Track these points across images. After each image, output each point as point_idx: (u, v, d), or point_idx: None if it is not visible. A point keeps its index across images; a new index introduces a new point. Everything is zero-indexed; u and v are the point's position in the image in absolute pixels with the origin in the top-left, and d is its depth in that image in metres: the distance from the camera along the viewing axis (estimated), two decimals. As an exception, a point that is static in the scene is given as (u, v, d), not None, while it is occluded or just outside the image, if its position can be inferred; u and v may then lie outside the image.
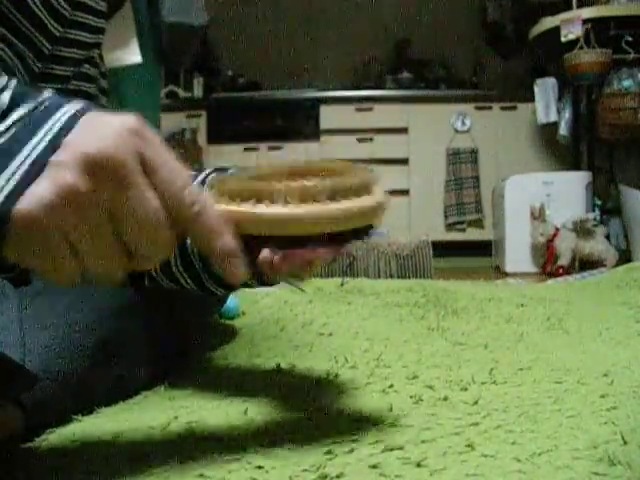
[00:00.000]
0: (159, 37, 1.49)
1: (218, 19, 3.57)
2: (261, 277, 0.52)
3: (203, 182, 0.54)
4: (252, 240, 0.39)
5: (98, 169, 0.32)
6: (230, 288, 0.58)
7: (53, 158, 0.33)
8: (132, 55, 1.34)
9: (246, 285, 0.55)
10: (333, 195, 0.39)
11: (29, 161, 0.33)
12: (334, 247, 0.43)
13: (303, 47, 3.92)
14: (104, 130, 0.33)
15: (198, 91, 3.61)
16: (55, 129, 0.34)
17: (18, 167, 0.32)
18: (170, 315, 0.69)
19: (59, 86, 0.62)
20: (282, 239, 0.40)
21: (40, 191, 0.32)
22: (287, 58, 3.90)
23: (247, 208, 0.39)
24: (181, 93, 3.53)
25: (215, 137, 3.42)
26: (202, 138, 3.40)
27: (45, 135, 0.33)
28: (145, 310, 0.64)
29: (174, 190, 0.35)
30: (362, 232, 0.42)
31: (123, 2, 1.26)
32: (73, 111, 0.35)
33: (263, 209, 0.38)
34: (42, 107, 0.35)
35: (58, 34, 0.58)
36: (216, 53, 3.84)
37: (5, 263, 0.35)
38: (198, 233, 0.36)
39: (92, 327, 0.57)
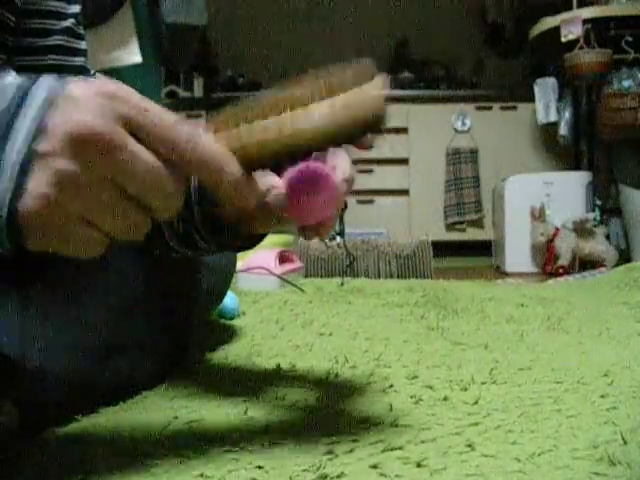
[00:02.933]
0: (159, 37, 1.49)
1: (218, 19, 3.57)
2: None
3: None
4: (257, 164, 0.39)
5: (85, 146, 0.32)
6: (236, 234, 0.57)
7: (39, 148, 0.32)
8: (132, 55, 1.34)
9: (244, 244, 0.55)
10: (330, 90, 0.38)
11: (19, 157, 0.32)
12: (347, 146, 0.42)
13: (303, 47, 3.92)
14: (80, 104, 0.33)
15: (198, 91, 3.61)
16: (34, 114, 0.33)
17: (10, 166, 0.32)
18: (170, 315, 0.69)
19: (36, 59, 0.61)
20: (288, 153, 0.39)
21: (37, 188, 0.32)
22: (287, 58, 3.90)
23: (242, 138, 0.38)
24: (181, 93, 3.53)
25: (215, 137, 3.41)
26: (202, 138, 3.40)
27: (25, 123, 0.33)
28: (145, 309, 0.64)
29: (163, 135, 0.34)
30: (370, 127, 0.40)
31: (123, 2, 1.26)
32: (47, 91, 0.34)
33: (257, 132, 0.38)
34: (13, 98, 0.34)
35: (20, 4, 0.57)
36: (216, 53, 3.84)
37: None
38: (199, 168, 0.36)
39: (92, 327, 0.57)
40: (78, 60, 0.65)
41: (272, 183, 0.44)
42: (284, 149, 0.39)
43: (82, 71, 0.66)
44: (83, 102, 0.33)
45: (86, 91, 0.33)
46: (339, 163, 0.48)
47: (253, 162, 0.38)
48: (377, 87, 0.40)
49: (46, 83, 0.34)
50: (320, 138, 0.39)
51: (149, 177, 0.34)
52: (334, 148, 0.45)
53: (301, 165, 0.44)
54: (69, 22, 0.63)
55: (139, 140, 0.34)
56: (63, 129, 0.32)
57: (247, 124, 0.39)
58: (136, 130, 0.34)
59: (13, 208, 0.32)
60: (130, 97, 0.34)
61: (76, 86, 0.34)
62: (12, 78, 0.35)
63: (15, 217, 0.32)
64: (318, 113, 0.38)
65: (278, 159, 0.40)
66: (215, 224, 0.52)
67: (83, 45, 0.66)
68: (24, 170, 0.32)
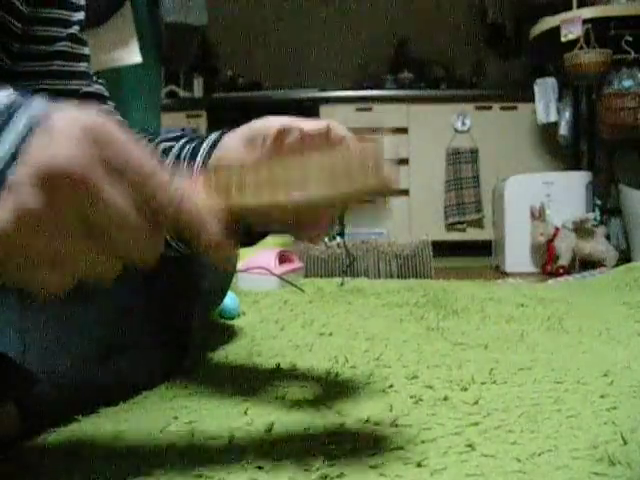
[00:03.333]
0: (159, 37, 1.49)
1: (218, 19, 3.57)
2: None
3: (214, 144, 0.54)
4: (243, 223, 0.38)
5: (56, 184, 0.30)
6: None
7: (10, 178, 0.30)
8: (132, 55, 1.34)
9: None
10: (333, 172, 0.36)
11: None
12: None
13: (303, 47, 3.92)
14: (61, 138, 0.31)
15: (198, 91, 3.61)
16: (13, 141, 0.31)
17: None
18: (170, 315, 0.69)
19: (41, 65, 0.61)
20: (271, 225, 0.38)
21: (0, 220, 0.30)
22: (287, 58, 3.90)
23: (234, 198, 0.36)
24: (181, 93, 3.53)
25: (215, 137, 3.41)
26: (202, 138, 3.40)
27: (1, 149, 0.31)
28: (145, 309, 0.64)
29: (144, 184, 0.33)
30: (373, 195, 0.39)
31: (123, 2, 1.26)
32: (29, 118, 0.32)
33: (245, 199, 0.36)
34: None
35: (27, 12, 0.58)
36: (216, 53, 3.84)
37: None
38: (178, 222, 0.34)
39: (92, 327, 0.57)
40: (82, 66, 0.66)
41: None
42: (275, 218, 0.37)
43: (85, 76, 0.66)
44: (64, 136, 0.31)
45: (70, 124, 0.31)
46: None
47: (236, 222, 0.37)
48: (378, 154, 0.37)
49: (34, 108, 0.33)
50: (314, 210, 0.37)
51: (123, 225, 0.32)
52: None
53: None
54: (74, 29, 0.64)
55: (117, 183, 0.32)
56: (36, 161, 0.30)
57: (238, 183, 0.37)
58: (115, 173, 0.32)
59: None
60: (115, 137, 0.32)
61: (61, 117, 0.32)
62: (4, 96, 0.33)
63: None
64: (315, 189, 0.36)
65: (266, 224, 0.39)
66: None
67: (86, 51, 0.67)
68: None
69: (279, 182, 0.36)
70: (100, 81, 0.70)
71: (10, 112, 0.32)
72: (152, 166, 0.33)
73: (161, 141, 0.62)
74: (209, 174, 0.38)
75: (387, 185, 0.38)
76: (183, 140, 0.60)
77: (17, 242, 0.30)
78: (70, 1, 0.63)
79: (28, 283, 0.32)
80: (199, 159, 0.57)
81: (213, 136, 0.58)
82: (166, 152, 0.61)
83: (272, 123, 0.53)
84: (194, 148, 0.58)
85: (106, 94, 0.71)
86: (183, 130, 3.21)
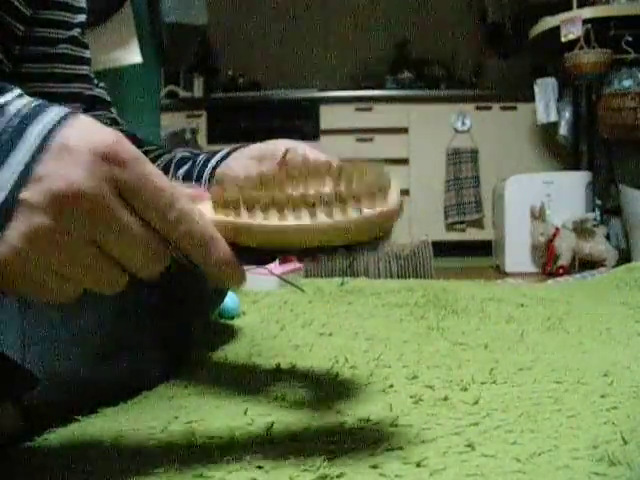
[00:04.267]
0: (159, 37, 1.49)
1: (218, 19, 3.57)
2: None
3: (225, 157, 0.55)
4: (250, 247, 0.38)
5: (70, 206, 0.31)
6: None
7: (23, 195, 0.31)
8: (132, 55, 1.34)
9: None
10: (343, 199, 0.36)
11: (1, 200, 0.31)
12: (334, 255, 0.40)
13: (303, 47, 3.92)
14: (73, 158, 0.31)
15: (198, 91, 3.61)
16: (26, 158, 0.31)
17: None
18: (170, 315, 0.69)
19: (43, 67, 0.61)
20: (279, 249, 0.38)
21: (11, 238, 0.31)
22: (287, 58, 3.90)
23: (239, 219, 0.37)
24: (181, 93, 3.53)
25: (215, 137, 3.42)
26: (202, 138, 3.40)
27: (15, 164, 0.31)
28: (146, 310, 0.64)
29: (156, 212, 0.33)
30: (367, 243, 0.39)
31: (123, 2, 1.26)
32: (43, 132, 0.32)
33: (254, 221, 0.36)
34: (9, 128, 0.32)
35: (29, 15, 0.58)
36: (216, 53, 3.84)
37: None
38: (187, 245, 0.35)
39: (93, 327, 0.57)
40: (83, 69, 0.66)
41: None
42: (280, 247, 0.38)
43: (87, 80, 0.67)
44: (76, 156, 0.31)
45: (84, 144, 0.32)
46: None
47: (243, 247, 0.37)
48: (393, 203, 0.37)
49: (47, 121, 0.33)
50: (319, 245, 0.37)
51: (132, 245, 0.33)
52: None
53: None
54: (75, 31, 0.64)
55: (128, 204, 0.33)
56: (49, 183, 0.31)
57: (246, 200, 0.37)
58: (127, 194, 0.33)
59: None
60: (130, 161, 0.32)
61: (75, 136, 0.32)
62: (15, 101, 0.33)
63: None
64: (325, 226, 0.36)
65: (271, 252, 0.39)
66: None
67: (87, 54, 0.67)
68: (6, 215, 0.31)
69: (285, 204, 0.36)
70: (102, 85, 0.70)
71: (22, 124, 0.32)
72: (164, 189, 0.33)
73: (173, 157, 0.64)
74: (218, 190, 0.38)
75: (390, 232, 0.38)
76: (196, 156, 0.62)
77: (29, 257, 0.31)
78: (71, 3, 0.63)
79: (37, 294, 0.33)
80: (207, 174, 0.59)
81: (222, 152, 0.60)
82: (178, 166, 0.63)
83: (281, 144, 0.55)
84: (204, 162, 0.59)
85: (108, 99, 0.72)
86: (183, 130, 3.22)
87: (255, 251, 0.38)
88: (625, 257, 2.54)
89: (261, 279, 1.46)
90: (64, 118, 0.33)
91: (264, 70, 3.85)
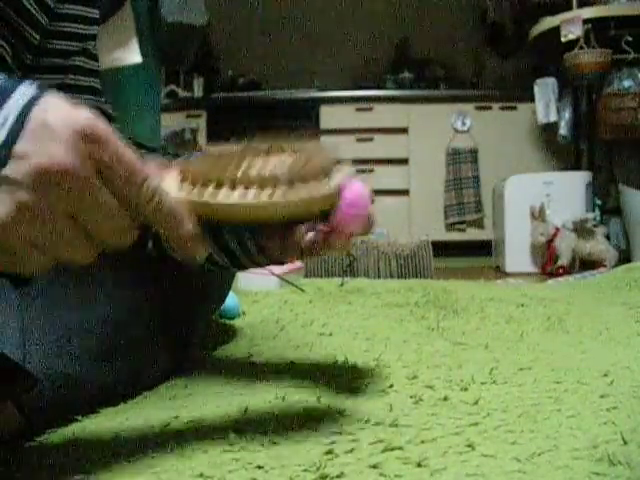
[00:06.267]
0: (159, 37, 1.49)
1: (218, 19, 3.57)
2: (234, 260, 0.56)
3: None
4: (213, 223, 0.42)
5: (51, 182, 0.32)
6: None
7: (6, 172, 0.32)
8: (132, 55, 1.34)
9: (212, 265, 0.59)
10: (290, 181, 0.41)
11: None
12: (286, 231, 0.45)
13: (303, 47, 3.92)
14: (53, 137, 0.32)
15: (198, 91, 3.61)
16: (2, 136, 0.32)
17: None
18: (171, 315, 0.69)
19: (54, 78, 0.61)
20: (240, 224, 0.42)
21: None
22: (287, 58, 3.90)
23: (202, 197, 0.40)
24: (181, 93, 3.53)
25: (215, 137, 3.41)
26: (202, 138, 3.41)
27: None
28: (145, 311, 0.64)
29: (130, 188, 0.35)
30: (319, 216, 0.44)
31: (123, 2, 1.26)
32: (19, 109, 0.33)
33: (215, 198, 0.40)
34: None
35: (45, 25, 0.58)
36: (216, 53, 3.84)
37: None
38: (157, 223, 0.38)
39: (93, 328, 0.57)
40: (93, 81, 0.67)
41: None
42: (240, 221, 0.42)
43: (94, 92, 0.67)
44: (58, 135, 0.33)
45: (63, 123, 0.33)
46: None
47: (208, 221, 0.41)
48: (330, 187, 0.43)
49: (24, 97, 0.34)
50: (277, 219, 0.42)
51: (107, 219, 0.35)
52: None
53: (348, 193, 0.45)
54: (88, 44, 0.64)
55: (105, 180, 0.35)
56: (33, 161, 0.32)
57: (212, 187, 0.41)
58: (105, 173, 0.34)
59: None
60: (106, 138, 0.34)
61: (56, 114, 0.33)
62: None
63: None
64: (279, 203, 0.41)
65: (232, 226, 0.44)
66: None
67: (96, 66, 0.67)
68: None
69: (251, 182, 0.41)
70: (108, 101, 0.71)
71: (2, 98, 0.33)
72: (137, 166, 0.36)
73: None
74: (185, 167, 0.42)
75: (334, 195, 0.43)
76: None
77: (11, 231, 0.32)
78: (86, 15, 0.63)
79: (12, 265, 0.34)
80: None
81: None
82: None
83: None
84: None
85: (112, 113, 0.72)
86: (183, 130, 3.22)
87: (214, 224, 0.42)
88: (625, 257, 2.54)
89: (261, 279, 1.46)
90: (40, 95, 0.34)
91: (264, 70, 3.85)
